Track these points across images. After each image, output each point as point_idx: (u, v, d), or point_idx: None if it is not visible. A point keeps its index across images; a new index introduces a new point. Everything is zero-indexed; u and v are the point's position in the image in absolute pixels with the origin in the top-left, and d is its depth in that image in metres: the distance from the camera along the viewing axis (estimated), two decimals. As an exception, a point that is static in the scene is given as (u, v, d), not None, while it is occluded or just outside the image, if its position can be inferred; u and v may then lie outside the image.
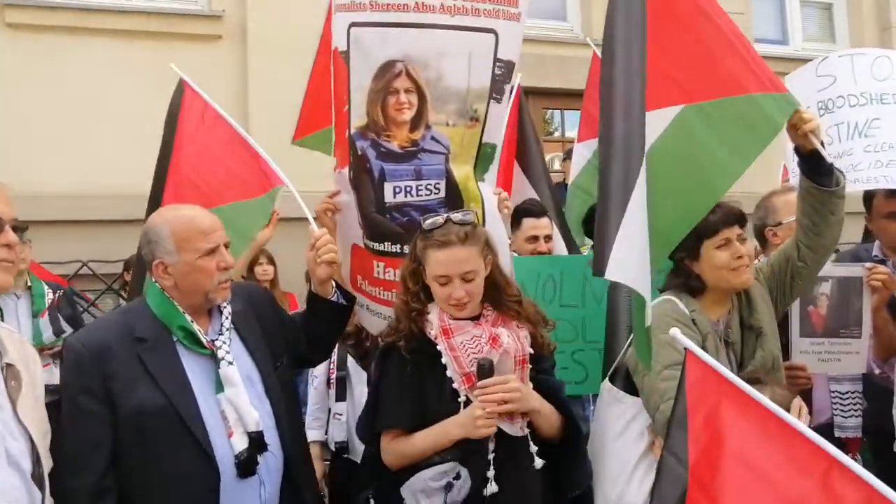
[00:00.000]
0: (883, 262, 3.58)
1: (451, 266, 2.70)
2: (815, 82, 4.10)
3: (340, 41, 3.08)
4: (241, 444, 2.52)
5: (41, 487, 2.11)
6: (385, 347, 2.84)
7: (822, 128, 4.17)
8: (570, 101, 8.16)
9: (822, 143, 2.85)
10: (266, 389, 2.69)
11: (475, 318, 2.78)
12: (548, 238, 4.39)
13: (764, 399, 1.79)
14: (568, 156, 6.45)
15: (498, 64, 3.13)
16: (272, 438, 2.62)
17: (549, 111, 8.90)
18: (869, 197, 3.74)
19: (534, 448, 2.70)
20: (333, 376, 4.77)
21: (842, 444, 3.32)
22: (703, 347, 2.72)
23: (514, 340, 2.74)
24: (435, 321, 2.74)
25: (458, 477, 2.60)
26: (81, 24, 6.88)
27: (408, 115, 3.06)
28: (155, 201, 3.65)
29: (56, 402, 2.66)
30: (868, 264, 3.41)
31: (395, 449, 2.74)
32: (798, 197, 3.00)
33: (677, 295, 2.96)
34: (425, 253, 2.75)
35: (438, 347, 2.71)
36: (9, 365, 2.11)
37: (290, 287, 6.16)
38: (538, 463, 2.68)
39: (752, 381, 2.20)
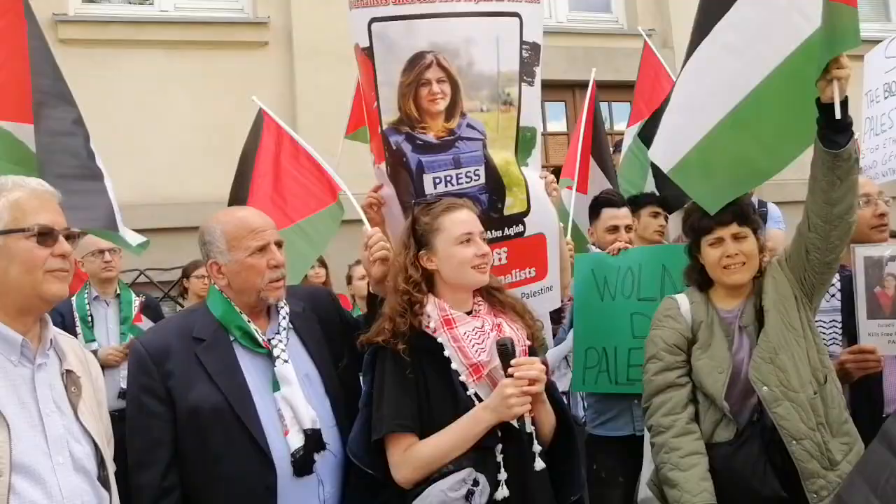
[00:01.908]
0: None
1: (472, 223, 2.65)
2: (883, 63, 4.00)
3: (361, 37, 3.06)
4: (296, 442, 2.50)
5: (108, 489, 2.14)
6: (375, 349, 2.62)
7: (884, 109, 4.09)
8: (617, 92, 8.09)
9: (845, 100, 2.69)
10: (326, 388, 2.68)
11: (468, 313, 2.66)
12: (628, 228, 4.34)
13: None
14: (617, 148, 6.40)
15: (525, 46, 3.13)
16: (332, 437, 2.60)
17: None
18: None
19: (537, 448, 2.52)
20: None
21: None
22: (694, 336, 2.99)
23: (513, 332, 2.63)
24: (434, 313, 2.58)
25: (476, 483, 2.41)
26: (131, 37, 7.04)
27: (442, 105, 3.04)
28: None
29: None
30: None
31: (412, 457, 2.47)
32: (811, 161, 2.88)
33: (688, 291, 3.13)
34: (436, 222, 2.66)
35: (440, 340, 2.55)
36: (68, 371, 2.15)
37: (339, 289, 6.21)
38: (539, 465, 2.50)
39: None
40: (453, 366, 2.52)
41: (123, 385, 4.48)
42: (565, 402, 2.75)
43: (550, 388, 2.64)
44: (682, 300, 3.11)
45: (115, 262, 5.04)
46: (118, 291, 5.12)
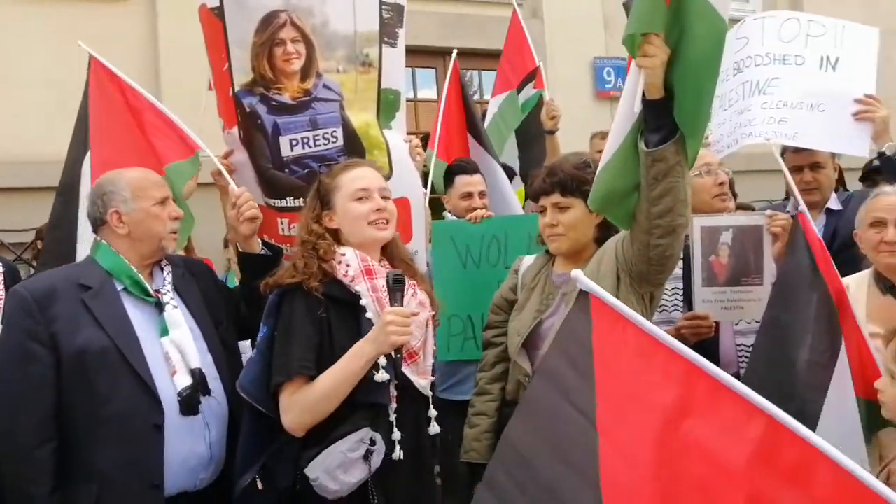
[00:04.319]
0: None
1: (369, 179, 2.66)
2: (734, 44, 4.19)
3: None
4: (183, 381, 2.58)
5: None
6: (284, 290, 2.56)
7: (732, 86, 4.29)
8: (490, 61, 8.16)
9: (663, 100, 2.46)
10: (208, 345, 2.76)
11: None
12: (482, 194, 4.42)
13: (674, 342, 1.71)
14: (484, 117, 6.50)
15: (385, 7, 3.12)
16: (216, 387, 2.69)
17: (469, 72, 8.85)
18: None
19: (433, 412, 2.62)
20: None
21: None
22: (514, 297, 3.09)
23: (423, 294, 2.68)
24: (354, 262, 2.56)
25: (373, 443, 2.41)
26: (-18, -13, 6.60)
27: (297, 65, 3.03)
28: (70, 176, 3.50)
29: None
30: (768, 212, 3.45)
31: (299, 401, 2.45)
32: None
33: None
34: (335, 181, 2.66)
35: (356, 289, 2.53)
36: None
37: (204, 253, 6.03)
38: (434, 429, 2.60)
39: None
40: (368, 315, 2.53)
41: None
42: None
43: None
44: (527, 260, 3.19)
45: None
46: None
